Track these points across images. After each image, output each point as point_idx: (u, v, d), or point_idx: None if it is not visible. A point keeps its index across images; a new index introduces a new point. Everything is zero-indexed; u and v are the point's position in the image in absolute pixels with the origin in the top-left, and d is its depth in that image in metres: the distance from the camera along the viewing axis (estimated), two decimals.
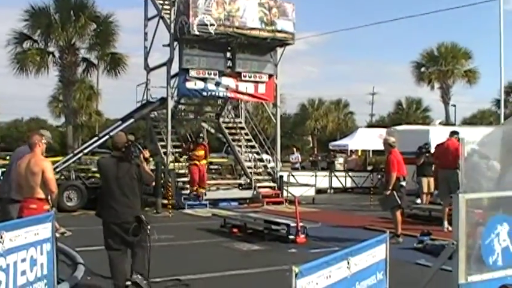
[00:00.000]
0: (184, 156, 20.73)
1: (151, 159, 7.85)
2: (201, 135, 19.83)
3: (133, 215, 7.41)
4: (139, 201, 7.59)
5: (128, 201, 7.42)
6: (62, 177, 19.86)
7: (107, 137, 20.79)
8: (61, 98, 39.85)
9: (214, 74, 21.12)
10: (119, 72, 32.78)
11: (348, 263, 4.84)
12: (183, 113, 25.76)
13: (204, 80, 21.05)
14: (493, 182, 5.98)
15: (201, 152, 19.98)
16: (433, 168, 17.33)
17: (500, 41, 26.17)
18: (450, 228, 12.85)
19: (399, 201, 12.40)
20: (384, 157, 13.37)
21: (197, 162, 19.92)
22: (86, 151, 21.61)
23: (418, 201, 18.30)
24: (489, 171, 6.23)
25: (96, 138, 21.85)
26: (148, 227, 7.42)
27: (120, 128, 20.96)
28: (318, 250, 11.02)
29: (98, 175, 17.09)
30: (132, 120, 21.93)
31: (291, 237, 12.44)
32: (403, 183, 12.41)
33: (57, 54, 31.38)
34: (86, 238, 11.37)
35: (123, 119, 22.16)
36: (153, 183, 7.61)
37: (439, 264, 5.37)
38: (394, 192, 12.36)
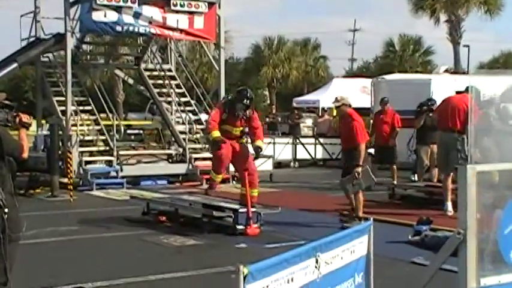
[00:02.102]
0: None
1: (29, 122, 7.66)
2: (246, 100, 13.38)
3: None
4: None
5: None
6: None
7: None
8: None
9: (132, 1, 20.85)
10: None
11: (317, 262, 4.89)
12: (88, 57, 25.47)
13: (117, 9, 20.77)
14: None
15: (237, 130, 13.85)
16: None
17: None
18: (453, 212, 13.18)
19: (374, 179, 13.42)
20: (367, 118, 13.72)
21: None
22: None
23: (417, 177, 18.60)
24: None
25: None
26: (6, 210, 7.22)
27: None
28: (277, 245, 11.06)
29: None
30: (14, 65, 21.60)
31: (240, 227, 12.50)
32: (371, 151, 13.19)
33: None
34: None
35: (1, 64, 21.80)
36: (24, 155, 7.36)
37: (439, 263, 5.42)
38: (368, 167, 13.17)
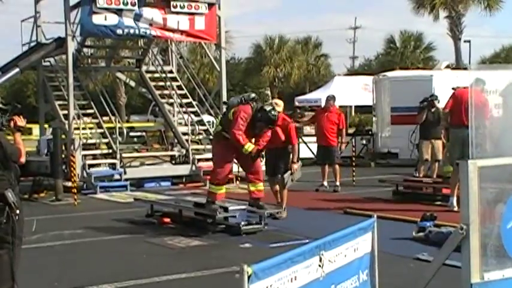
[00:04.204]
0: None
1: (22, 125, 7.59)
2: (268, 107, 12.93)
3: None
4: (7, 176, 7.33)
5: None
6: None
7: None
8: None
9: (133, 4, 20.85)
10: None
11: (321, 260, 4.89)
12: (90, 60, 25.46)
13: (118, 12, 20.78)
14: None
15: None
16: (440, 127, 17.52)
17: None
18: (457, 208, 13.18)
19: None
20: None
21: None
22: None
23: (417, 173, 18.60)
24: None
25: None
26: (17, 212, 7.20)
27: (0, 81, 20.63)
28: (281, 244, 11.08)
29: None
30: (16, 70, 21.56)
31: (245, 227, 12.51)
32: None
33: None
34: None
35: (3, 69, 21.79)
36: (22, 159, 7.29)
37: (442, 258, 5.43)
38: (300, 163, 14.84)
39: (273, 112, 12.47)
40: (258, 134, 12.64)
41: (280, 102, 14.64)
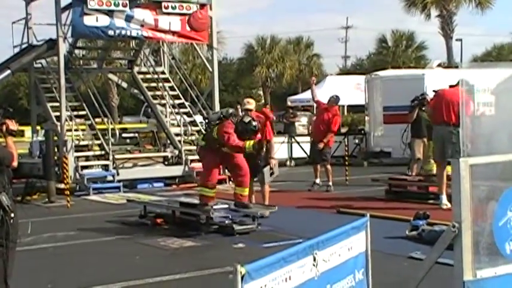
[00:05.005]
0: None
1: (14, 129, 7.58)
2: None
3: None
4: (1, 179, 7.33)
5: None
6: None
7: None
8: None
9: (124, 5, 20.83)
10: None
11: (315, 259, 4.90)
12: (81, 62, 25.42)
13: (109, 13, 20.74)
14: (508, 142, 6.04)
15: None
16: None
17: None
18: (449, 205, 13.22)
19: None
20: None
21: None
22: None
23: (410, 171, 18.63)
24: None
25: None
26: (12, 215, 7.21)
27: None
28: (275, 244, 11.10)
29: None
30: (8, 72, 21.52)
31: (238, 227, 12.53)
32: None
33: None
34: None
35: None
36: (14, 163, 7.28)
37: (435, 257, 5.44)
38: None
39: (252, 123, 12.77)
40: (248, 138, 12.79)
41: (252, 101, 14.82)
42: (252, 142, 12.70)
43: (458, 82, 13.92)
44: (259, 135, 13.20)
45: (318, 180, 19.02)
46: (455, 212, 5.22)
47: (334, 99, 19.36)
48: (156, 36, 22.05)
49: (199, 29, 22.21)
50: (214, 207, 13.07)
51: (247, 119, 12.86)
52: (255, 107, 14.67)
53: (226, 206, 13.40)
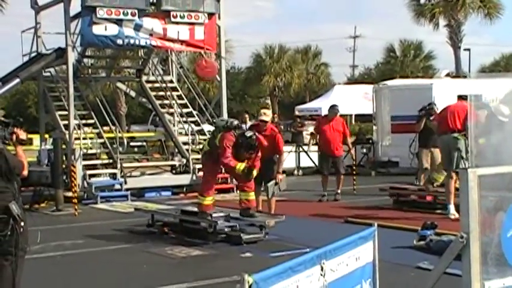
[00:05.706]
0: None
1: (24, 138, 7.62)
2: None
3: None
4: (11, 188, 7.33)
5: None
6: None
7: None
8: None
9: (133, 14, 20.87)
10: None
11: (322, 269, 4.89)
12: (90, 70, 25.46)
13: (118, 22, 20.79)
14: None
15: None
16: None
17: None
18: (457, 215, 13.20)
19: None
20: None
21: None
22: None
23: (417, 181, 18.59)
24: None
25: None
26: (22, 224, 7.21)
27: (0, 92, 20.62)
28: (282, 253, 11.11)
29: None
30: (17, 81, 21.56)
31: (246, 237, 12.52)
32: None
33: None
34: None
35: (4, 80, 21.78)
36: (25, 172, 7.32)
37: (443, 267, 5.43)
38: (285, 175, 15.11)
39: (253, 139, 12.82)
40: (248, 158, 12.83)
41: (269, 112, 14.94)
42: (242, 166, 12.69)
43: (465, 96, 14.26)
44: (257, 163, 13.03)
45: (326, 193, 18.99)
46: (463, 223, 5.22)
47: (337, 108, 19.56)
48: (164, 45, 22.09)
49: (206, 77, 22.58)
50: (214, 215, 13.09)
51: (249, 134, 12.93)
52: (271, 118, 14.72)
53: (225, 214, 13.32)
